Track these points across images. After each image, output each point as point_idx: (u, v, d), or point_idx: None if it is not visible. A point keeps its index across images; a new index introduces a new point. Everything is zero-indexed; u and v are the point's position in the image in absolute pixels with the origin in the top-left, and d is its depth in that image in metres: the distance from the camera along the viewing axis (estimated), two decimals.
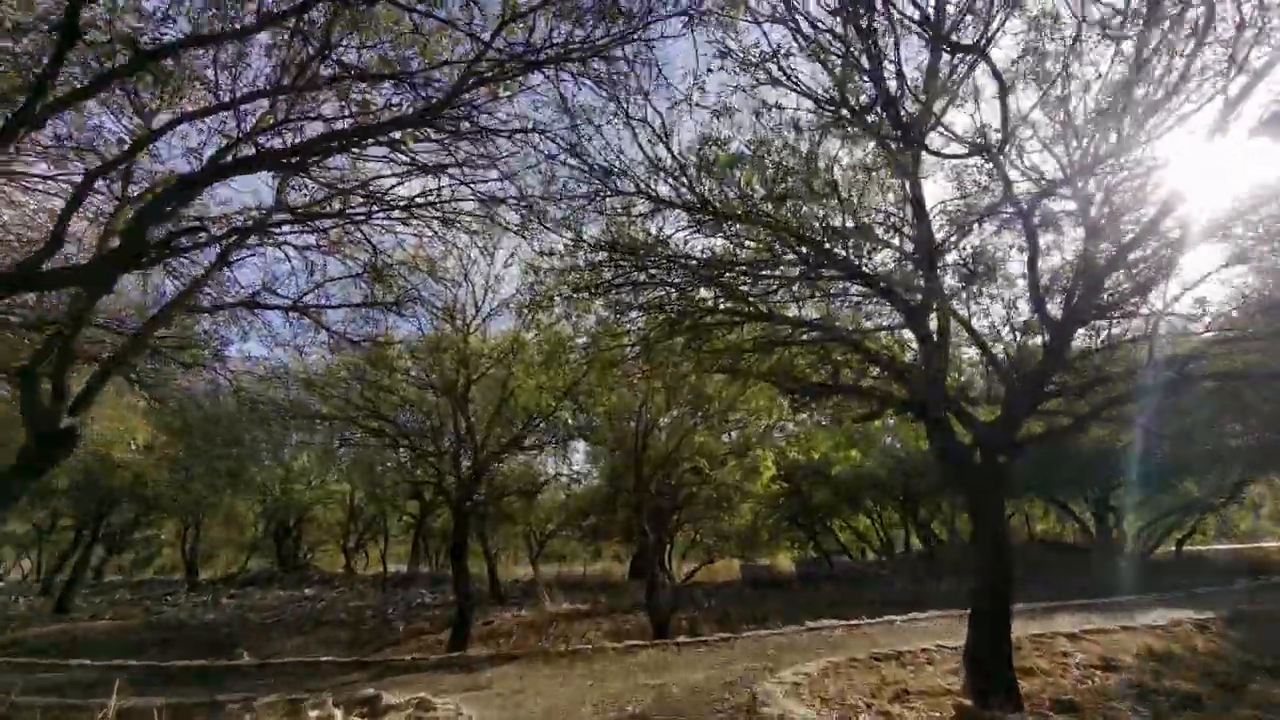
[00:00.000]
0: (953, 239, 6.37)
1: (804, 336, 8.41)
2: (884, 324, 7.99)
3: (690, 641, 10.04)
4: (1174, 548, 25.94)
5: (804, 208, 5.87)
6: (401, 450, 12.89)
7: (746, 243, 7.36)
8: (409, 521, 27.83)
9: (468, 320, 11.33)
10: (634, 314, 8.43)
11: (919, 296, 6.72)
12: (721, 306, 8.42)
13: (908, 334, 8.69)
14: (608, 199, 7.51)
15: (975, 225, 6.17)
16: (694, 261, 7.61)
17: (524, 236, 6.97)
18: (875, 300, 7.77)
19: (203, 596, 19.83)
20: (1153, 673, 7.84)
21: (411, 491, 21.80)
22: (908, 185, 6.56)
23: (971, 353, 8.56)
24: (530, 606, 15.53)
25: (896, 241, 6.49)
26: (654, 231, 7.74)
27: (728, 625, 13.19)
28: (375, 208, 6.21)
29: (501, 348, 11.84)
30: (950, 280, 7.34)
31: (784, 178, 5.65)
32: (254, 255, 7.34)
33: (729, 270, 7.52)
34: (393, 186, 6.13)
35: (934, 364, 6.83)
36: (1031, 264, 5.60)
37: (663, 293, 8.09)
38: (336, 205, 6.76)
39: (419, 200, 6.27)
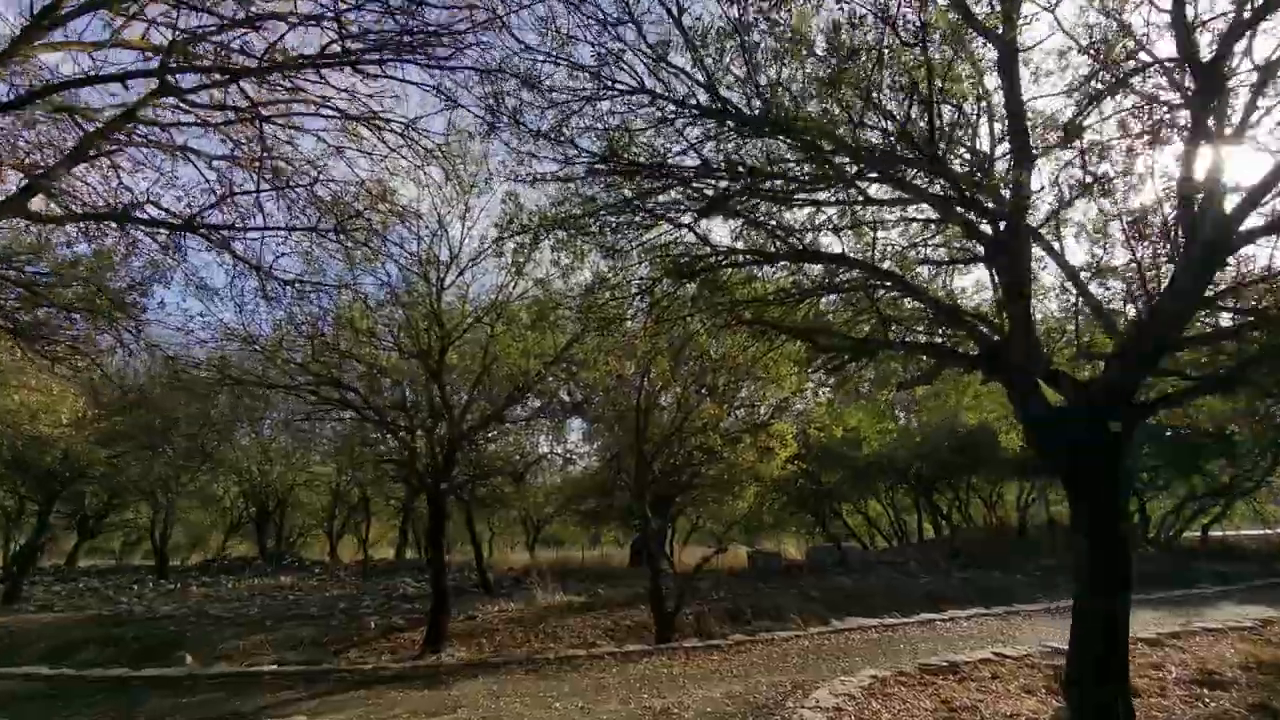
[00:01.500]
0: (1066, 126, 4.79)
1: (843, 281, 6.88)
2: (946, 259, 6.43)
3: (701, 646, 8.60)
4: (1200, 534, 24.62)
5: (875, 76, 4.28)
6: (369, 425, 11.34)
7: (781, 155, 5.77)
8: (397, 506, 26.39)
9: (442, 274, 9.76)
10: (634, 256, 6.88)
11: (1005, 222, 5.19)
12: (741, 247, 6.90)
13: (958, 285, 7.12)
14: (601, 101, 5.94)
15: (1110, 96, 4.60)
16: (710, 184, 6.05)
17: (493, 134, 5.37)
18: (942, 231, 6.21)
19: (171, 585, 18.42)
20: (1270, 689, 6.43)
21: (400, 473, 20.30)
22: (1000, 72, 5.00)
23: (1050, 304, 7.02)
24: (521, 598, 14.13)
25: (986, 136, 4.91)
26: (660, 148, 6.21)
27: (739, 621, 11.80)
28: (269, 63, 4.58)
29: (483, 305, 10.29)
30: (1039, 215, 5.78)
31: (847, 28, 4.07)
32: (140, 159, 5.73)
33: (755, 192, 5.94)
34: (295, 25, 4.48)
35: (1023, 307, 5.31)
36: (1187, 157, 4.03)
37: (670, 230, 6.57)
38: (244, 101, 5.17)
39: (333, 57, 4.64)
